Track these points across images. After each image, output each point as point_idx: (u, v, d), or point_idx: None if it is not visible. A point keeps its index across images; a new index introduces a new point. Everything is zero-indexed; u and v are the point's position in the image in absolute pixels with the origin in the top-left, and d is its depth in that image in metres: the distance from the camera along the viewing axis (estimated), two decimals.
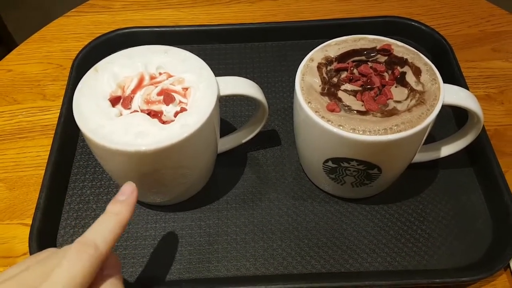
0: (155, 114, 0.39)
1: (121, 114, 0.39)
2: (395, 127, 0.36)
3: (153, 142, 0.36)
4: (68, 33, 0.63)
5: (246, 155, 0.50)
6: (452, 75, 0.54)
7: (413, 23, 0.59)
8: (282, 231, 0.44)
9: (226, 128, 0.51)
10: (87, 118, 0.38)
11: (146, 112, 0.39)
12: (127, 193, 0.34)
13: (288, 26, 0.59)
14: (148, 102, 0.39)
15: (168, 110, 0.39)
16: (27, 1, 1.59)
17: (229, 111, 0.53)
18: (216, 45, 0.60)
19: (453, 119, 0.52)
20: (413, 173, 0.46)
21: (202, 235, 0.44)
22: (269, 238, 0.44)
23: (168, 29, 0.60)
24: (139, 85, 0.40)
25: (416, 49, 0.42)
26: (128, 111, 0.39)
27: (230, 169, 0.48)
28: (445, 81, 0.43)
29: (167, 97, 0.39)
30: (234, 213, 0.45)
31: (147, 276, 0.41)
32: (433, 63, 0.57)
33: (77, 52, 0.57)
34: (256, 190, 0.47)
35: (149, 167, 0.39)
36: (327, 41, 0.43)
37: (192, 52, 0.43)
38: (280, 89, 0.56)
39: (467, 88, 0.52)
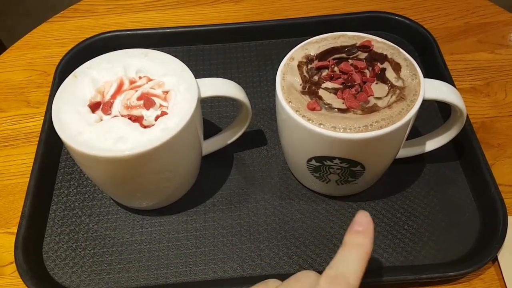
0: (135, 119, 0.38)
1: (101, 120, 0.38)
2: (375, 124, 0.35)
3: (134, 147, 0.36)
4: (51, 39, 0.63)
5: (232, 156, 0.49)
6: (437, 69, 0.53)
7: (397, 17, 0.59)
8: (269, 231, 0.44)
9: (211, 129, 0.51)
10: (67, 124, 0.37)
11: (127, 117, 0.38)
12: (364, 223, 0.31)
13: (271, 25, 0.59)
14: (128, 107, 0.39)
15: (149, 114, 0.39)
16: (15, 8, 1.59)
17: (214, 112, 0.53)
18: (201, 46, 0.60)
19: (439, 113, 0.52)
20: (399, 168, 0.46)
21: (188, 238, 0.44)
22: (256, 239, 0.43)
23: (151, 31, 0.60)
24: (119, 90, 0.40)
25: (401, 44, 0.42)
26: (108, 116, 0.38)
27: (216, 171, 0.48)
28: (430, 75, 0.42)
29: (147, 101, 0.39)
30: (220, 215, 0.45)
31: (134, 281, 0.41)
32: (418, 57, 0.58)
33: (61, 57, 0.57)
34: (243, 191, 0.47)
35: (131, 172, 0.38)
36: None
37: (177, 54, 0.43)
38: (265, 88, 0.55)
39: (452, 82, 0.52)
